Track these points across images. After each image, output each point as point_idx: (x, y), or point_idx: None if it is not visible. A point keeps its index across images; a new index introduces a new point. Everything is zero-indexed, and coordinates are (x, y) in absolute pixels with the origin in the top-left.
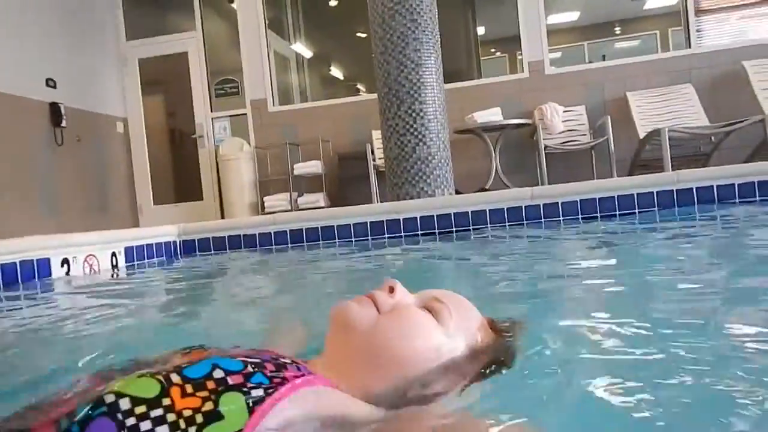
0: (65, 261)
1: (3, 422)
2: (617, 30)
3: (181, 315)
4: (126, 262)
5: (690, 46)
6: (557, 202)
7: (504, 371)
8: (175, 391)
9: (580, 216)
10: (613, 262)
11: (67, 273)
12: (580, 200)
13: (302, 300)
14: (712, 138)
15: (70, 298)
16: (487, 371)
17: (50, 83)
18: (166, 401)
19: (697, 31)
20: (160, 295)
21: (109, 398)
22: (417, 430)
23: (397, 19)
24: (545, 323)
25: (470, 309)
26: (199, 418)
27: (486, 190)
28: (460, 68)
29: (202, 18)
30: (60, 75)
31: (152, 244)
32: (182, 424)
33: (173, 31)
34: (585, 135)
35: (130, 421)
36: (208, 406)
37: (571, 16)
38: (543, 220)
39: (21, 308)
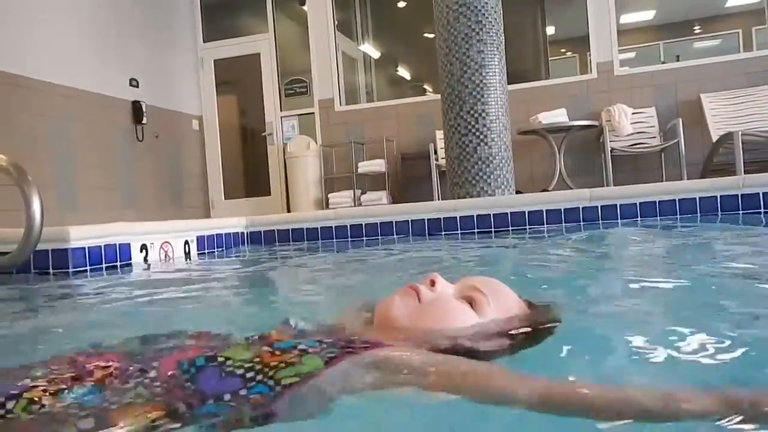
0: (143, 247)
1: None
2: (697, 29)
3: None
4: (198, 250)
5: None
6: (615, 204)
7: (543, 342)
8: (265, 354)
9: (639, 218)
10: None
11: (145, 258)
12: (639, 203)
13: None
14: None
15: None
16: (528, 343)
17: (133, 83)
18: (257, 360)
19: None
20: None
21: (219, 359)
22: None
23: (461, 20)
24: None
25: (508, 295)
26: (283, 365)
27: (549, 191)
28: (528, 69)
29: (274, 20)
30: (142, 75)
31: (222, 234)
32: (269, 371)
33: (247, 33)
34: (655, 138)
35: (228, 368)
36: (292, 360)
37: (646, 15)
38: (601, 221)
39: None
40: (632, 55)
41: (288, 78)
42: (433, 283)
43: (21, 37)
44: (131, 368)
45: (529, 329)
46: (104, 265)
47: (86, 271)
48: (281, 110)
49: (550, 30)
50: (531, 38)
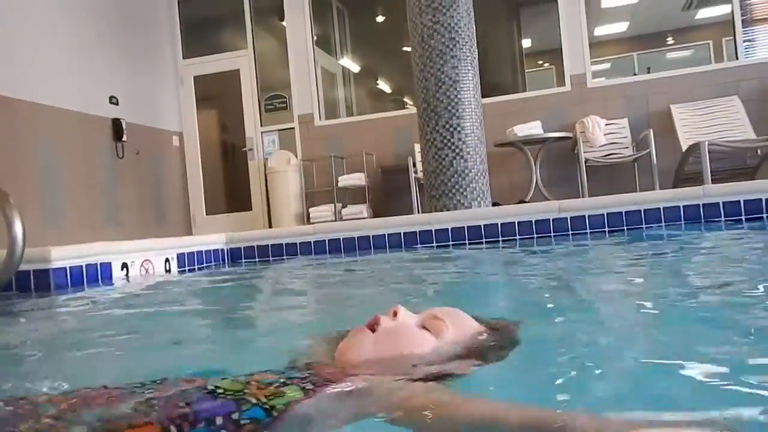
0: (124, 265)
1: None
2: (669, 40)
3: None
4: (178, 267)
5: (737, 58)
6: (584, 215)
7: (504, 359)
8: (252, 386)
9: (606, 229)
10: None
11: (126, 276)
12: (607, 213)
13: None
14: (759, 151)
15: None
16: (490, 360)
17: (113, 100)
18: (247, 390)
19: (748, 41)
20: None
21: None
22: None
23: (435, 37)
24: None
25: (466, 319)
26: (271, 395)
27: (525, 202)
28: (504, 81)
29: (253, 37)
30: (122, 92)
31: (202, 251)
32: (260, 398)
33: (227, 49)
34: (627, 148)
35: (221, 395)
36: (275, 391)
37: (620, 27)
38: (570, 233)
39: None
40: (608, 66)
41: (268, 93)
42: (395, 314)
43: (1, 58)
44: (130, 393)
45: (486, 350)
46: (86, 285)
47: (66, 290)
48: (261, 125)
49: (527, 42)
50: (507, 51)
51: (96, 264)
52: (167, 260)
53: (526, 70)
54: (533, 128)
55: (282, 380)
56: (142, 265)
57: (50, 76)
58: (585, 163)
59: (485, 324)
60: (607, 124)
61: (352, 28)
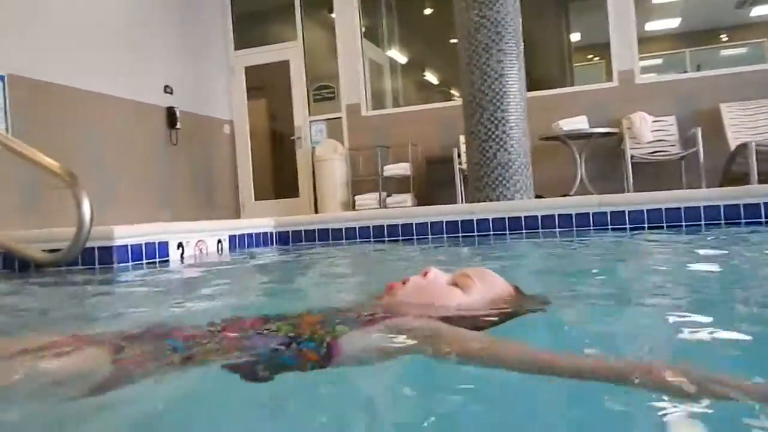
0: (180, 245)
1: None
2: (723, 37)
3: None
4: (230, 248)
5: None
6: (624, 211)
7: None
8: (304, 326)
9: (646, 225)
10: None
11: (182, 255)
12: (647, 210)
13: None
14: None
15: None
16: (511, 316)
17: (167, 90)
18: (298, 331)
19: None
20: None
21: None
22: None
23: (482, 31)
24: None
25: (494, 278)
26: (320, 332)
27: (569, 196)
28: (552, 75)
29: (303, 29)
30: (176, 82)
31: (252, 234)
32: (311, 335)
33: (277, 41)
34: (674, 146)
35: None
36: (325, 327)
37: (672, 23)
38: (610, 227)
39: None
40: (659, 61)
41: (316, 83)
42: (425, 274)
43: (62, 49)
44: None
45: (510, 307)
46: (144, 261)
47: (128, 266)
48: (310, 115)
49: (576, 36)
50: (555, 45)
51: (154, 243)
52: (219, 241)
53: (575, 64)
54: (579, 123)
55: (330, 319)
56: (196, 245)
57: (108, 67)
58: (631, 159)
59: (514, 287)
60: (654, 121)
61: (400, 20)
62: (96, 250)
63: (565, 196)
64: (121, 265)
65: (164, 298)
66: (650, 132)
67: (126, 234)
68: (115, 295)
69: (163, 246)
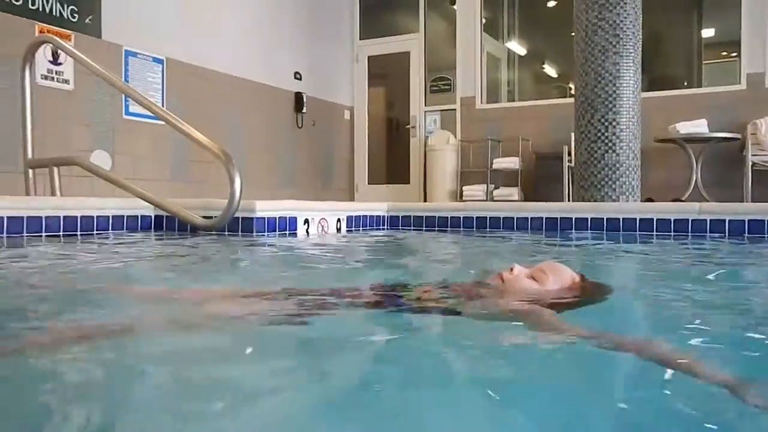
0: (306, 221)
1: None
2: None
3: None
4: (346, 227)
5: None
6: (724, 219)
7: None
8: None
9: (746, 235)
10: None
11: (307, 230)
12: (748, 220)
13: None
14: None
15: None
16: (578, 305)
17: (297, 76)
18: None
19: None
20: None
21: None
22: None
23: (599, 33)
24: None
25: (563, 270)
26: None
27: (681, 201)
28: (677, 73)
29: (425, 21)
30: (304, 68)
31: (366, 216)
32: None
33: (400, 32)
34: None
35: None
36: (438, 297)
37: None
38: (708, 234)
39: None
40: None
41: (434, 75)
42: (511, 270)
43: (209, 36)
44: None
45: (577, 295)
46: (277, 233)
47: (264, 235)
48: (425, 105)
49: (709, 32)
50: (684, 41)
51: (286, 217)
52: (338, 220)
53: (704, 62)
54: (698, 126)
55: (443, 290)
56: (319, 223)
57: (247, 54)
58: (752, 166)
59: (580, 276)
60: None
61: (522, 12)
62: (240, 220)
63: (675, 200)
64: (258, 233)
65: (317, 264)
66: None
67: (265, 208)
68: (290, 258)
69: (293, 221)
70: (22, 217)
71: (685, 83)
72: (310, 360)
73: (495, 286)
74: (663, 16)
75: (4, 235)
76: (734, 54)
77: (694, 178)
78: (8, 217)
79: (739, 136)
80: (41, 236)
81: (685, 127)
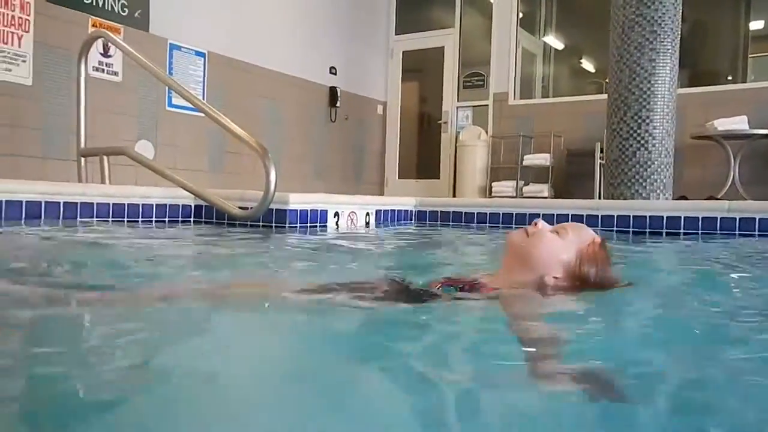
0: (336, 214)
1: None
2: None
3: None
4: (375, 221)
5: None
6: (754, 218)
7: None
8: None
9: None
10: None
11: (336, 223)
12: None
13: None
14: None
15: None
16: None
17: (332, 71)
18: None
19: None
20: None
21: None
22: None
23: (636, 29)
24: None
25: (585, 230)
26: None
27: (717, 199)
28: (720, 67)
29: (461, 16)
30: (339, 63)
31: (395, 210)
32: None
33: (435, 27)
34: None
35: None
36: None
37: None
38: (737, 232)
39: None
40: None
41: (467, 71)
42: (536, 224)
43: (248, 31)
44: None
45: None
46: (308, 225)
47: (296, 227)
48: (458, 101)
49: (758, 24)
50: (729, 33)
51: (317, 210)
52: (367, 214)
53: (750, 55)
54: (737, 123)
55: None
56: (348, 216)
57: (284, 48)
58: None
59: (602, 239)
60: None
61: (560, 5)
62: (274, 212)
63: (710, 198)
64: (290, 225)
65: (340, 258)
66: None
67: (298, 201)
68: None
69: (324, 213)
70: (77, 203)
71: (729, 77)
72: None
73: (519, 240)
74: (708, 8)
75: (60, 219)
76: None
77: (732, 176)
78: (64, 202)
79: None
80: (93, 221)
81: (723, 124)
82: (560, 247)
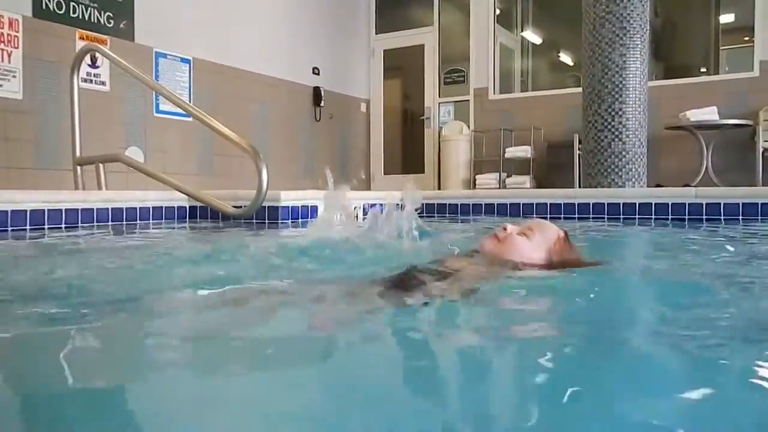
0: None
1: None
2: None
3: None
4: (363, 215)
5: None
6: (719, 203)
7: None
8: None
9: (740, 217)
10: None
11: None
12: (742, 203)
13: None
14: None
15: None
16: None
17: (315, 71)
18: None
19: None
20: None
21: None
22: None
23: (606, 26)
24: None
25: (549, 226)
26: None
27: (690, 186)
28: (692, 60)
29: (440, 15)
30: (322, 63)
31: (383, 204)
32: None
33: (415, 25)
34: None
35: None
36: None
37: None
38: (704, 217)
39: None
40: None
41: (448, 67)
42: (504, 228)
43: (231, 36)
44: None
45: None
46: (300, 221)
47: (288, 223)
48: (439, 96)
49: (728, 18)
50: (699, 26)
51: (308, 206)
52: (355, 208)
53: (722, 48)
54: (707, 114)
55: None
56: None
57: (268, 51)
58: (763, 153)
59: (564, 232)
60: None
61: (536, 1)
62: (266, 209)
63: (685, 186)
64: (282, 221)
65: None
66: None
67: (289, 198)
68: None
69: (314, 209)
70: (77, 209)
71: (703, 69)
72: None
73: (490, 247)
74: (681, 3)
75: (63, 225)
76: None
77: (705, 165)
78: (66, 209)
79: (750, 122)
80: (93, 226)
81: (695, 115)
82: (530, 249)
